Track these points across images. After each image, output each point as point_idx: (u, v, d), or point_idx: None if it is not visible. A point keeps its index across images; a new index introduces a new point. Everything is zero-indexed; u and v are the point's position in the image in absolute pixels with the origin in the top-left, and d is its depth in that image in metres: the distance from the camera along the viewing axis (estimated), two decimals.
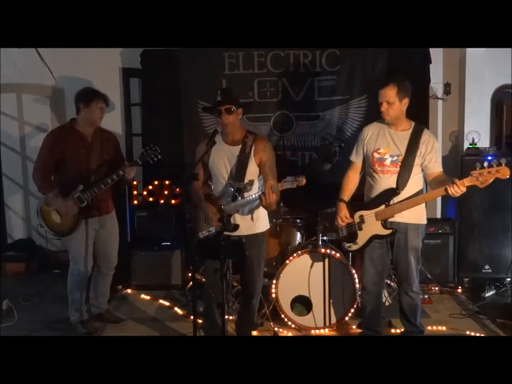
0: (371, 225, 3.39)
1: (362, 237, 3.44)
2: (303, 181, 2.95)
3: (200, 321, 3.47)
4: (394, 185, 3.32)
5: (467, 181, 3.00)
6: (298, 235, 4.37)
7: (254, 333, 3.75)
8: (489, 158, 4.61)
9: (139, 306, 4.54)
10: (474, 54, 5.06)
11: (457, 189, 3.00)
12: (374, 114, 3.76)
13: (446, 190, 3.07)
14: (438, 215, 5.47)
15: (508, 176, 2.94)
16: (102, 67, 5.34)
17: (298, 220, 4.41)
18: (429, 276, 4.66)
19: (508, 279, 4.70)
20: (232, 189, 3.19)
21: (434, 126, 5.30)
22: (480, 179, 2.96)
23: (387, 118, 3.33)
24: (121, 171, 3.69)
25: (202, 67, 5.21)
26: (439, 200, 5.46)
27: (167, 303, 4.54)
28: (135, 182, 4.93)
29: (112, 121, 5.12)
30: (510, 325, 3.90)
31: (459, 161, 4.90)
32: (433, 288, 4.70)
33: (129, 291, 4.84)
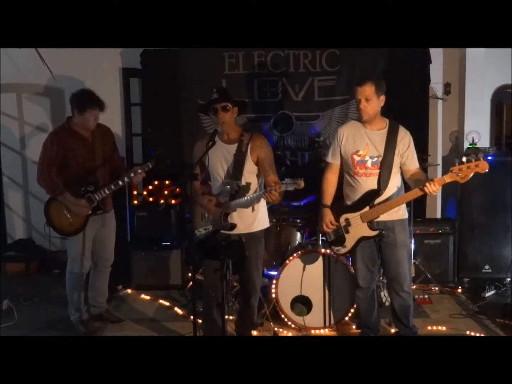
0: (357, 227, 3.39)
1: (350, 240, 3.44)
2: (301, 184, 2.91)
3: (200, 321, 3.47)
4: (376, 186, 3.33)
5: (447, 178, 3.08)
6: (298, 235, 4.37)
7: (254, 333, 3.75)
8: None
9: (139, 306, 4.54)
10: (474, 54, 5.06)
11: (434, 187, 3.06)
12: None
13: (423, 188, 3.11)
14: (438, 215, 5.48)
15: (486, 170, 3.02)
16: (102, 67, 5.35)
17: (298, 220, 4.41)
18: (429, 276, 4.67)
19: (508, 279, 4.69)
20: (229, 188, 3.19)
21: (434, 126, 5.32)
22: (460, 174, 3.04)
23: (365, 116, 3.31)
24: (132, 173, 3.69)
25: (202, 67, 5.21)
26: (439, 200, 5.47)
27: (167, 303, 4.54)
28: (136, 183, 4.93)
29: (112, 121, 5.11)
30: (510, 325, 3.90)
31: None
32: (433, 288, 4.71)
33: (129, 291, 4.85)
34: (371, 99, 3.25)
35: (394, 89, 4.84)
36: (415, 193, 3.24)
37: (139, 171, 3.70)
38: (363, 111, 3.28)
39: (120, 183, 3.73)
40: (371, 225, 3.36)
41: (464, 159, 3.05)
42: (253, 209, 3.27)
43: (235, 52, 5.18)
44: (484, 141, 5.07)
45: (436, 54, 5.14)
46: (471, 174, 3.04)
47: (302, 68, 5.18)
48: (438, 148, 5.42)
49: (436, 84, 5.28)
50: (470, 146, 4.94)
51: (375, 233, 3.37)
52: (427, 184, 3.07)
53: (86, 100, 3.72)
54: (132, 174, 3.70)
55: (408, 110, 4.91)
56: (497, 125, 5.34)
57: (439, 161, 5.32)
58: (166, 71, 5.29)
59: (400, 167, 3.38)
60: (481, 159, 3.01)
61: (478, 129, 5.02)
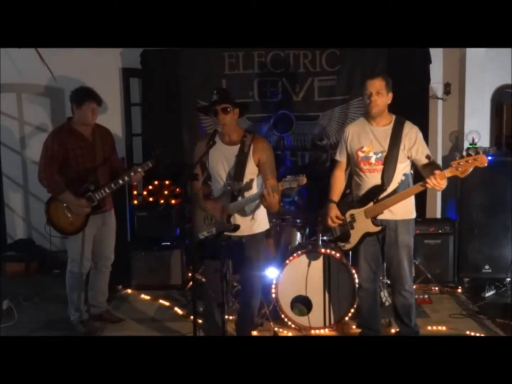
0: (362, 223, 3.39)
1: (355, 236, 3.45)
2: (304, 180, 2.91)
3: (200, 321, 3.47)
4: (380, 182, 3.33)
5: (447, 172, 3.06)
6: (298, 235, 4.37)
7: (254, 333, 3.75)
8: (489, 158, 4.64)
9: (139, 306, 4.54)
10: (474, 54, 5.07)
11: (435, 181, 3.05)
12: None
13: (426, 183, 3.10)
14: (438, 215, 5.48)
15: (486, 164, 2.99)
16: (102, 67, 5.35)
17: (298, 220, 4.41)
18: (429, 276, 4.67)
19: (508, 279, 4.70)
20: (231, 190, 3.19)
21: (434, 126, 5.32)
22: (459, 169, 3.02)
23: (374, 109, 3.30)
24: (132, 172, 3.71)
25: (202, 67, 5.22)
26: (439, 200, 5.47)
27: (167, 303, 4.54)
28: (135, 183, 4.94)
29: (112, 121, 5.13)
30: (510, 325, 3.90)
31: None
32: (433, 288, 4.72)
33: (129, 291, 4.85)
34: (381, 93, 3.27)
35: (394, 89, 4.84)
36: (416, 188, 3.23)
37: (139, 170, 3.72)
38: (373, 103, 3.27)
39: (120, 182, 3.75)
40: (375, 221, 3.36)
41: (464, 153, 3.06)
42: (252, 214, 3.26)
43: (235, 52, 5.18)
44: (484, 141, 5.07)
45: (436, 54, 5.15)
46: (471, 169, 3.02)
47: (302, 68, 5.18)
48: (438, 148, 5.42)
49: (436, 84, 5.28)
50: (470, 146, 4.94)
51: (378, 229, 3.36)
52: (428, 179, 3.07)
53: (84, 94, 3.77)
54: (132, 173, 3.71)
55: (408, 110, 4.86)
56: (497, 125, 5.34)
57: (439, 161, 5.31)
58: (166, 71, 5.28)
59: (414, 163, 3.37)
60: (481, 153, 3.01)
61: (478, 129, 5.02)
